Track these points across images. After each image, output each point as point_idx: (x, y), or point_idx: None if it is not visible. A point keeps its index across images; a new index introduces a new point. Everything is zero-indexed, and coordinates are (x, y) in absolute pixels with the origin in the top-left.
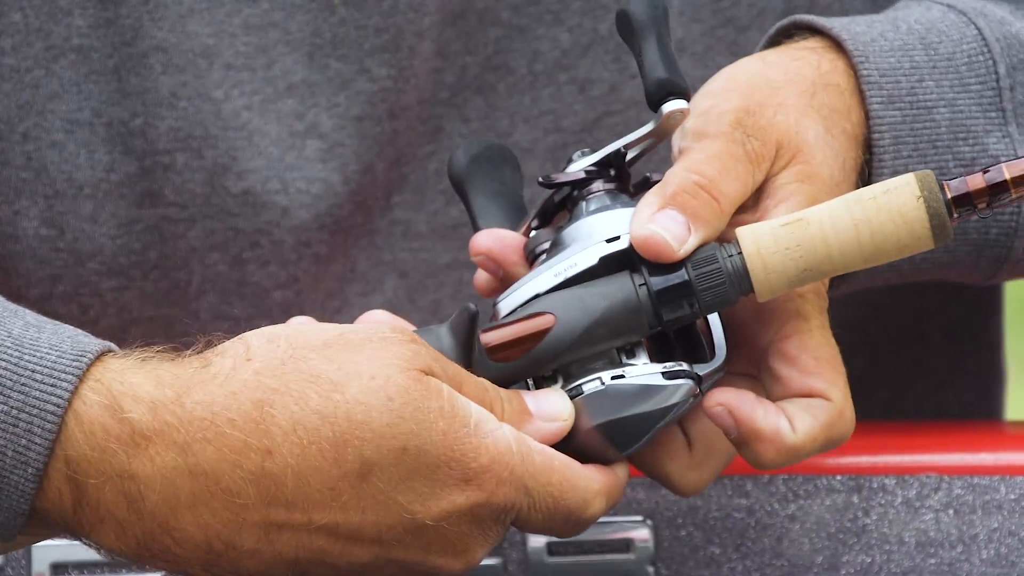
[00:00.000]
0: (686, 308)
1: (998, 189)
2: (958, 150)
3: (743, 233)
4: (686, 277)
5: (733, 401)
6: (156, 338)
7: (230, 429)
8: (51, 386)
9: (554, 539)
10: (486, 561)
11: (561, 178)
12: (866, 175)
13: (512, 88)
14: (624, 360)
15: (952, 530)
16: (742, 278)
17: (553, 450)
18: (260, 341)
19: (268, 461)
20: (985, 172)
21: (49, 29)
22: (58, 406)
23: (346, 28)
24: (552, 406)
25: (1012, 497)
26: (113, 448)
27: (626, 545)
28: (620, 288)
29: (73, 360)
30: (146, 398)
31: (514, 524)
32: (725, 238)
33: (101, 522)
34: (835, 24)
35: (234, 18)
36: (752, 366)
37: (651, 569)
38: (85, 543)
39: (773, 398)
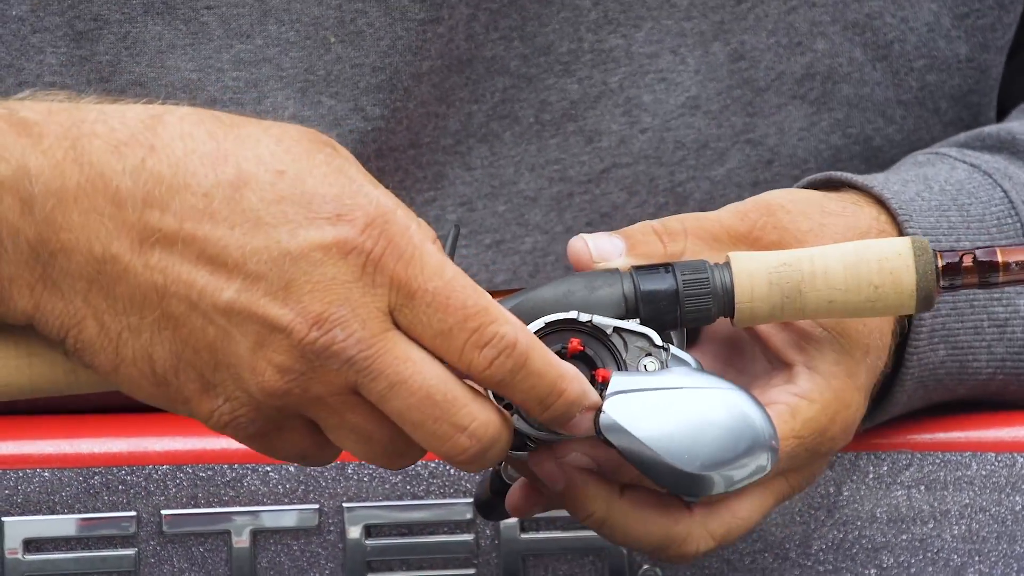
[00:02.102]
0: (665, 308)
1: (987, 268)
2: (992, 310)
3: (737, 256)
4: (673, 281)
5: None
6: None
7: (119, 124)
8: None
9: (528, 518)
10: (459, 537)
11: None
12: (906, 327)
13: (519, 137)
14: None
15: (924, 506)
16: (726, 298)
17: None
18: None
19: (151, 157)
20: (980, 251)
21: (20, 65)
22: None
23: (341, 65)
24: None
25: (983, 473)
26: (8, 149)
27: None
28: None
29: None
30: (42, 106)
31: (398, 323)
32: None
33: None
34: (874, 182)
35: (223, 53)
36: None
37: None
38: None
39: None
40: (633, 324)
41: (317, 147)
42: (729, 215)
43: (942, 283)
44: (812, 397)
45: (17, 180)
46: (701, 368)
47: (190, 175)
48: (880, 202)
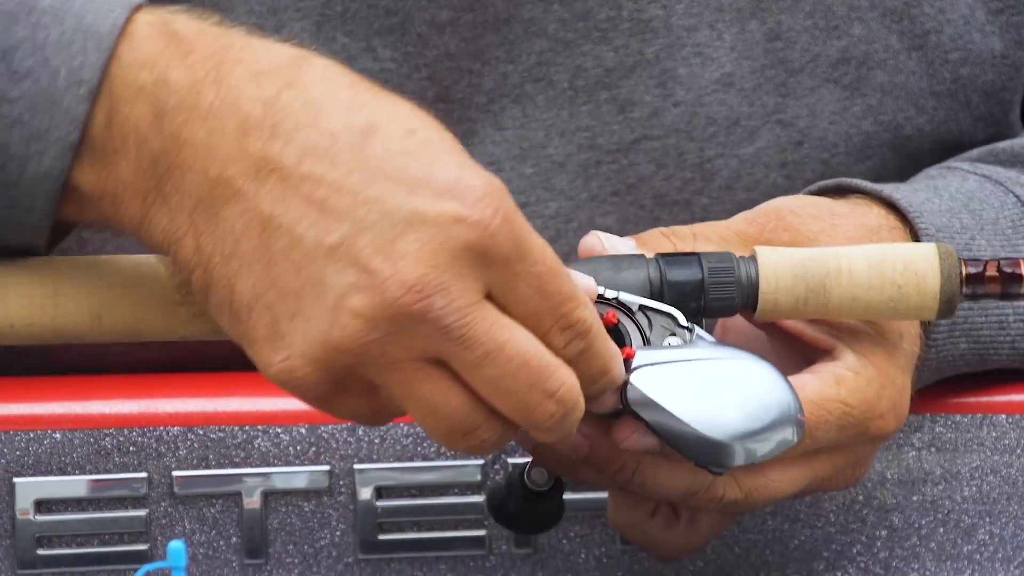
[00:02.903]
0: (690, 296)
1: (1010, 279)
2: (1019, 305)
3: (762, 250)
4: (699, 269)
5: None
6: None
7: (264, 56)
8: (106, 11)
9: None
10: (470, 498)
11: None
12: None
13: (551, 101)
14: None
15: (935, 468)
16: (750, 290)
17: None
18: None
19: (287, 91)
20: (1005, 262)
21: None
22: (113, 26)
23: (357, 4)
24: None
25: (994, 435)
26: (155, 58)
27: None
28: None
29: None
30: (194, 24)
31: (492, 297)
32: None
33: (123, 143)
34: (883, 187)
35: None
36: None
37: None
38: (97, 222)
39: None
40: (659, 304)
41: (447, 129)
42: (738, 221)
43: (966, 290)
44: (857, 370)
45: (156, 89)
46: (727, 344)
47: (321, 115)
48: (889, 205)
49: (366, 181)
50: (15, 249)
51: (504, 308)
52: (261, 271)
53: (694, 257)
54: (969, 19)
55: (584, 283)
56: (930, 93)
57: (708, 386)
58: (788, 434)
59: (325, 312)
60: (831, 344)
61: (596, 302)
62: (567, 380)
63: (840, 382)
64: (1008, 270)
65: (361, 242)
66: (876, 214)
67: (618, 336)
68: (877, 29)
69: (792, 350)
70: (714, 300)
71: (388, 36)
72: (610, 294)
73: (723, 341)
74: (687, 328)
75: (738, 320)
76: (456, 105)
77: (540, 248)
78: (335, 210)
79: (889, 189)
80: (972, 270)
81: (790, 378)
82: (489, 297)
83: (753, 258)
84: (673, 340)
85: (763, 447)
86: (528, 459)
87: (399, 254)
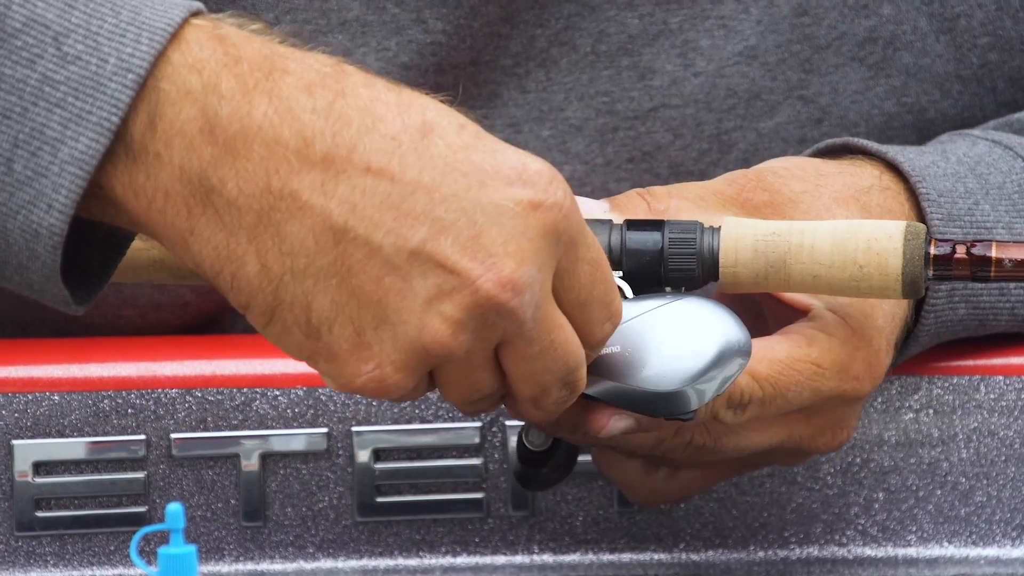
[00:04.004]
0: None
1: (980, 262)
2: None
3: (728, 221)
4: (660, 238)
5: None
6: None
7: (307, 66)
8: (164, 9)
9: None
10: (467, 461)
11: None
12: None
13: (573, 65)
14: None
15: (932, 430)
16: (711, 261)
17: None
18: None
19: (339, 100)
20: (975, 244)
21: None
22: (169, 23)
23: None
24: None
25: (992, 397)
26: (205, 62)
27: None
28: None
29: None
30: (243, 32)
31: (555, 284)
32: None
33: (167, 147)
34: (888, 149)
35: None
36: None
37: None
38: (132, 222)
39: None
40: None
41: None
42: (718, 181)
43: (933, 272)
44: (830, 331)
45: (205, 95)
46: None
47: (378, 119)
48: (893, 167)
49: (437, 179)
50: (34, 286)
51: (562, 295)
52: (339, 284)
53: (659, 225)
54: (1002, 4)
55: None
56: (956, 77)
57: (646, 341)
58: (732, 368)
59: (414, 318)
60: (808, 304)
61: None
62: (583, 372)
63: (811, 342)
64: (978, 253)
65: (443, 243)
66: (868, 174)
67: None
68: (907, 10)
69: (781, 311)
70: (673, 270)
71: (440, 8)
72: None
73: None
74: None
75: None
76: (483, 68)
77: (592, 235)
78: (412, 212)
79: (894, 151)
80: (940, 251)
81: (765, 339)
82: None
83: (718, 230)
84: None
85: (710, 386)
86: (517, 421)
87: (486, 250)
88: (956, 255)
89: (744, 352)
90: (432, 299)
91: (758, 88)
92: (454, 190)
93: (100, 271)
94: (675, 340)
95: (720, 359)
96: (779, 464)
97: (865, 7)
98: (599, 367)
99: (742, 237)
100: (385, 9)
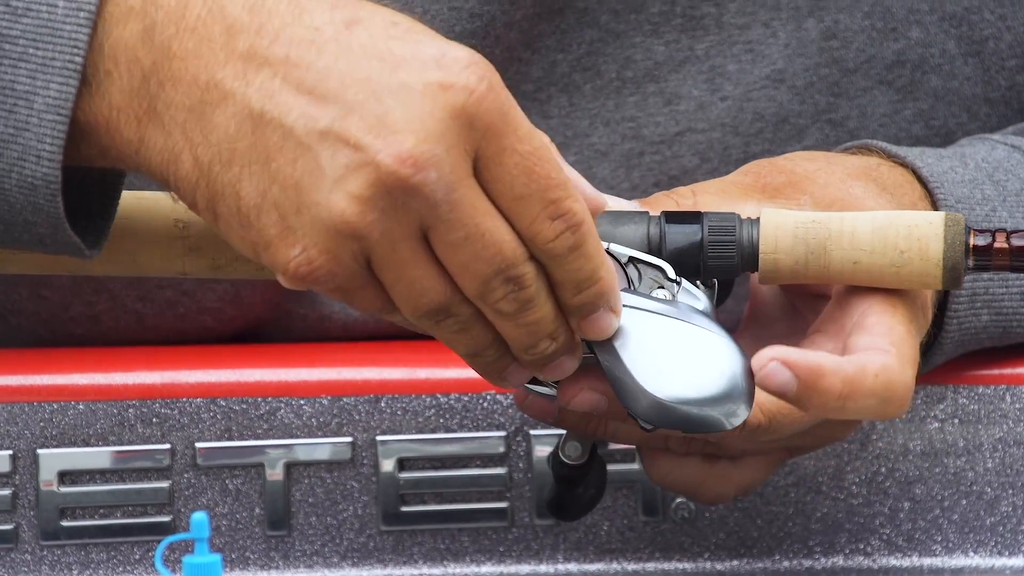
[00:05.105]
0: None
1: (1020, 252)
2: None
3: (767, 211)
4: (700, 229)
5: (782, 351)
6: None
7: None
8: None
9: None
10: (492, 470)
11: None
12: (941, 291)
13: (598, 91)
14: None
15: (957, 440)
16: (751, 251)
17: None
18: None
19: None
20: (1014, 234)
21: None
22: None
23: (439, 6)
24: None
25: (1017, 407)
26: None
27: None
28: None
29: None
30: None
31: (478, 175)
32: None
33: (115, 64)
34: (908, 152)
35: None
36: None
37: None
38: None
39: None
40: (648, 256)
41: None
42: (734, 173)
43: (972, 262)
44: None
45: (144, 7)
46: (709, 313)
47: (306, 11)
48: (912, 171)
49: (352, 64)
50: (31, 242)
51: (490, 187)
52: (261, 169)
53: (697, 216)
54: None
55: (592, 194)
56: (984, 100)
57: (666, 345)
58: (721, 413)
59: (323, 197)
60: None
61: None
62: (531, 270)
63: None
64: (1018, 243)
65: (351, 121)
66: (874, 159)
67: None
68: (935, 33)
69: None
70: (713, 259)
71: (469, 39)
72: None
73: (711, 313)
74: (675, 281)
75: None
76: None
77: (528, 128)
78: (324, 95)
79: (913, 155)
80: (980, 241)
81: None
82: (476, 175)
83: (757, 220)
84: (660, 293)
85: (692, 421)
86: (542, 430)
87: (389, 128)
88: (996, 244)
89: (739, 409)
90: (340, 178)
91: (786, 112)
92: (368, 74)
93: (103, 214)
94: (694, 362)
95: (714, 400)
96: (834, 437)
97: (893, 30)
98: (619, 337)
99: (782, 224)
100: None
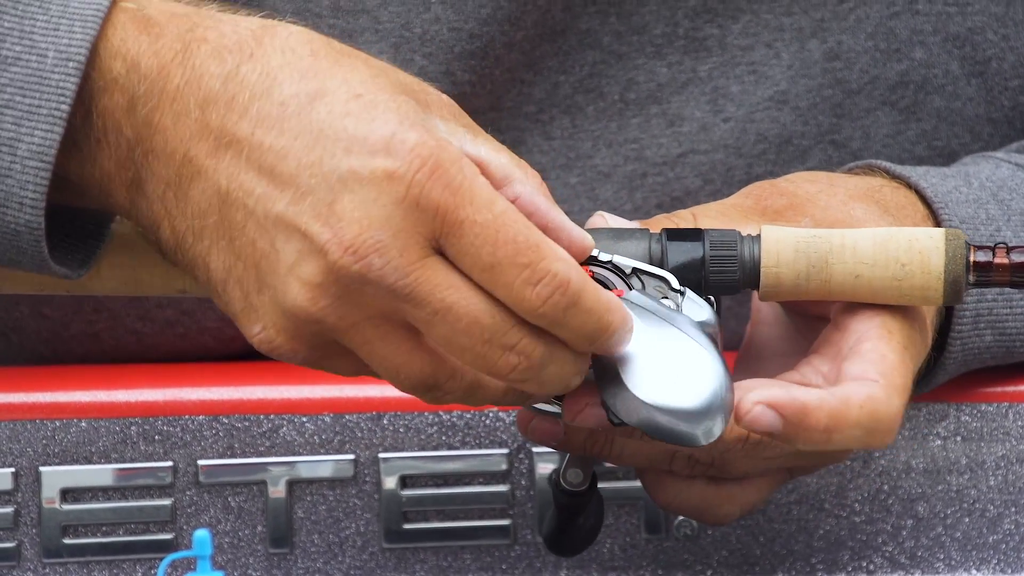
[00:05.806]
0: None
1: (1020, 268)
2: None
3: (768, 227)
4: (701, 246)
5: (766, 394)
6: None
7: (231, 31)
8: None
9: None
10: (494, 487)
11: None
12: (943, 312)
13: (601, 112)
14: None
15: (960, 457)
16: (752, 267)
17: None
18: None
19: (246, 64)
20: (1014, 249)
21: None
22: (97, 10)
23: (439, 27)
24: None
25: (1020, 424)
26: (127, 45)
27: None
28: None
29: None
30: (167, 6)
31: (445, 254)
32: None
33: (104, 133)
34: (912, 173)
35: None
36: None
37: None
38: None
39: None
40: (652, 267)
41: (406, 89)
42: (735, 196)
43: (973, 278)
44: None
45: (128, 78)
46: (712, 324)
47: (275, 84)
48: (915, 191)
49: (308, 145)
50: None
51: (458, 264)
52: (227, 247)
53: (698, 233)
54: None
55: (578, 236)
56: (987, 120)
57: (656, 348)
58: (697, 429)
59: (279, 282)
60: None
61: (590, 263)
62: (525, 336)
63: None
64: (1018, 258)
65: (302, 208)
66: (877, 180)
67: None
68: (938, 54)
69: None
70: (714, 275)
71: (468, 60)
72: (604, 257)
73: (716, 325)
74: (679, 291)
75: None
76: (505, 114)
77: (487, 196)
78: (281, 177)
79: (917, 175)
80: (980, 257)
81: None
82: (444, 252)
83: (758, 236)
84: (664, 303)
85: (674, 427)
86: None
87: (336, 216)
88: (996, 260)
89: (714, 426)
90: (292, 264)
91: (789, 133)
92: (320, 156)
93: (96, 235)
94: (680, 373)
95: (691, 415)
96: (834, 459)
97: (897, 51)
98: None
99: (783, 239)
100: (412, 61)
